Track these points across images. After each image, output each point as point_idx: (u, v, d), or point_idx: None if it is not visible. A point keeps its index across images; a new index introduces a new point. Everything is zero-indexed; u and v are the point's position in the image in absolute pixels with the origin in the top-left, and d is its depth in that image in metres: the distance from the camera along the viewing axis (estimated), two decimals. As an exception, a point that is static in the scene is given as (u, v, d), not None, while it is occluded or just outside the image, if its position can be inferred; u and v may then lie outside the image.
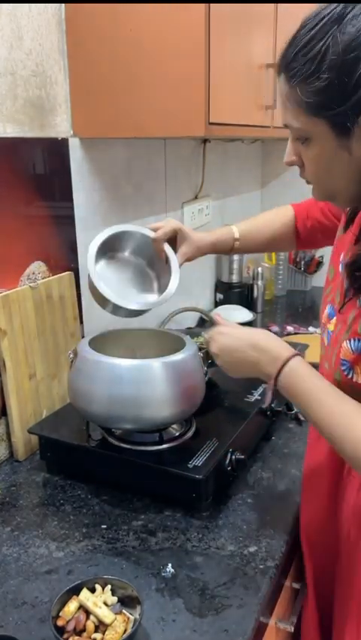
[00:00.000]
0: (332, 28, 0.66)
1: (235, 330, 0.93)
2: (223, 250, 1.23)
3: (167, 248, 1.15)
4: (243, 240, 1.21)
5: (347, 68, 0.65)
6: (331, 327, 0.88)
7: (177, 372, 1.03)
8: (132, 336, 1.23)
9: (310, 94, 0.69)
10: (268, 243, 1.24)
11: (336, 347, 0.84)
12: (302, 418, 1.34)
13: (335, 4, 0.68)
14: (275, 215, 1.23)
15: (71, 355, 1.09)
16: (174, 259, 1.14)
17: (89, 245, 1.11)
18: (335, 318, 0.87)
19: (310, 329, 2.00)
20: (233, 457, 1.07)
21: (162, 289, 1.15)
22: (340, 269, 0.88)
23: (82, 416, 1.10)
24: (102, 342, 1.14)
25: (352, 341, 0.80)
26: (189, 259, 1.17)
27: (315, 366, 0.85)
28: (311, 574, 1.02)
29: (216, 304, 2.23)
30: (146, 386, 1.00)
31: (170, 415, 1.04)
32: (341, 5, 0.67)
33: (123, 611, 0.78)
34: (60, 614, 0.76)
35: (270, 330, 0.90)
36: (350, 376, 0.82)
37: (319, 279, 2.52)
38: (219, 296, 2.25)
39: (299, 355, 0.83)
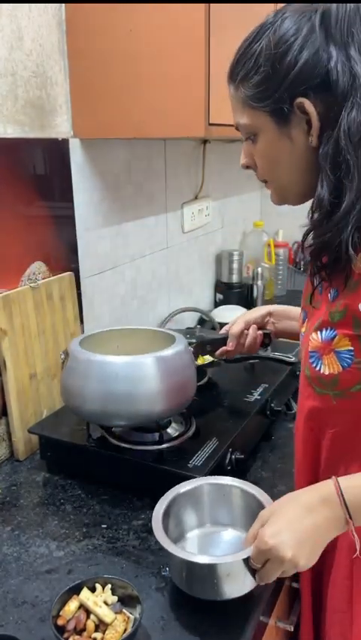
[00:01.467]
0: (268, 30, 0.74)
1: (275, 518, 0.77)
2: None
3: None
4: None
5: (278, 57, 0.72)
6: (303, 329, 0.90)
7: (169, 367, 1.04)
8: (121, 335, 1.23)
9: (251, 88, 0.76)
10: None
11: (306, 343, 0.85)
12: None
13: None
14: None
15: (63, 356, 1.09)
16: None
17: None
18: (306, 320, 0.89)
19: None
20: (233, 456, 1.08)
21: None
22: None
23: (77, 415, 1.10)
24: (92, 343, 1.14)
25: (323, 331, 0.81)
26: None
27: None
28: (305, 572, 1.02)
29: (216, 304, 2.23)
30: (139, 382, 1.01)
31: (163, 410, 1.05)
32: (278, 12, 0.74)
33: (123, 610, 0.78)
34: (60, 613, 0.76)
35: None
36: (317, 368, 0.82)
37: (319, 279, 2.52)
38: (219, 296, 2.25)
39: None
